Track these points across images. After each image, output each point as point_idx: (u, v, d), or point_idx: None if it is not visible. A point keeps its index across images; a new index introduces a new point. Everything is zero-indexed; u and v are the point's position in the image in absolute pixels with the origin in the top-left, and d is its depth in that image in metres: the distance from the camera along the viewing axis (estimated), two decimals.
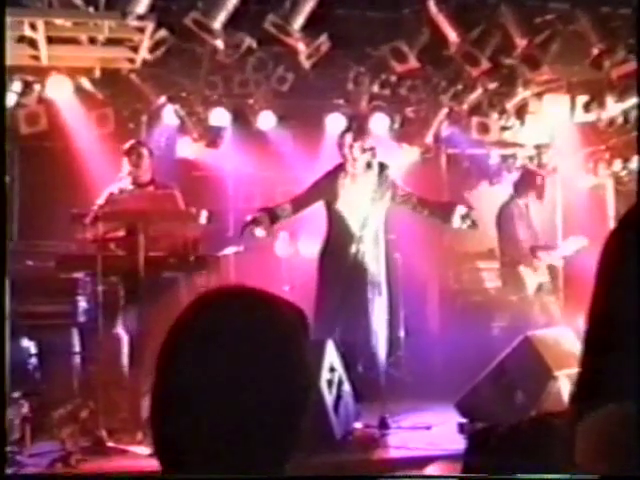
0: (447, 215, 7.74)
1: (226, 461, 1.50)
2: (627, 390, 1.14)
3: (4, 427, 5.53)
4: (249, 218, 7.71)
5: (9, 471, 5.43)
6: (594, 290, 1.24)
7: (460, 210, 7.64)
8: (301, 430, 1.57)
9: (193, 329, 1.58)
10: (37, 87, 8.96)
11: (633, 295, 1.16)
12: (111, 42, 7.87)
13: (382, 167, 7.64)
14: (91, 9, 7.41)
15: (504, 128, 10.40)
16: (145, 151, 7.96)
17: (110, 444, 6.18)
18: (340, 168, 7.87)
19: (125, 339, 7.31)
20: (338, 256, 7.69)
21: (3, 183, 6.12)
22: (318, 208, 7.99)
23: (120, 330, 7.34)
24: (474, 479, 1.84)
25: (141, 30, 7.62)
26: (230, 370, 1.51)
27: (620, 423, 1.13)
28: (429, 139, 10.58)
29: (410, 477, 2.02)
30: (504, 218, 9.25)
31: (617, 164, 10.80)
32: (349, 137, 7.78)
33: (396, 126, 10.44)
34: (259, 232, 7.70)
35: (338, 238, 7.78)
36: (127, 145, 7.93)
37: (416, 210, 7.97)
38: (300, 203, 7.85)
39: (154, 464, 1.56)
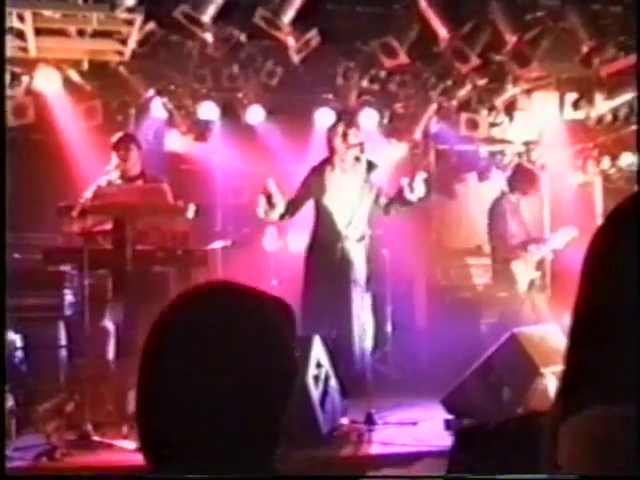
0: (400, 197, 7.71)
1: (211, 454, 1.50)
2: (611, 389, 1.13)
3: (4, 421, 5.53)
4: (270, 195, 7.50)
5: None
6: (580, 285, 1.23)
7: (404, 182, 7.61)
8: (284, 421, 1.57)
9: (176, 325, 1.58)
10: (25, 79, 8.92)
11: (619, 291, 1.16)
12: (99, 34, 7.84)
13: (370, 166, 7.65)
14: (79, 1, 7.38)
15: (493, 124, 10.41)
16: (133, 144, 7.94)
17: (96, 438, 6.16)
18: (326, 162, 7.85)
19: (112, 333, 7.30)
20: (325, 251, 7.69)
21: (3, 178, 6.09)
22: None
23: (107, 324, 7.33)
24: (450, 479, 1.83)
25: (130, 22, 7.59)
26: (214, 364, 1.51)
27: (604, 426, 1.12)
28: (418, 135, 10.57)
29: (391, 477, 2.02)
30: (496, 214, 9.24)
31: (606, 162, 10.82)
32: (341, 127, 7.76)
33: (385, 121, 10.44)
34: (263, 213, 7.58)
35: (325, 233, 7.77)
36: (115, 138, 7.91)
37: (387, 212, 7.98)
38: (295, 205, 7.79)
39: (140, 458, 1.56)
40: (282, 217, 7.71)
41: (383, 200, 7.88)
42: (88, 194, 7.27)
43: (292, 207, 7.73)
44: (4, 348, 5.67)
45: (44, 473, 5.58)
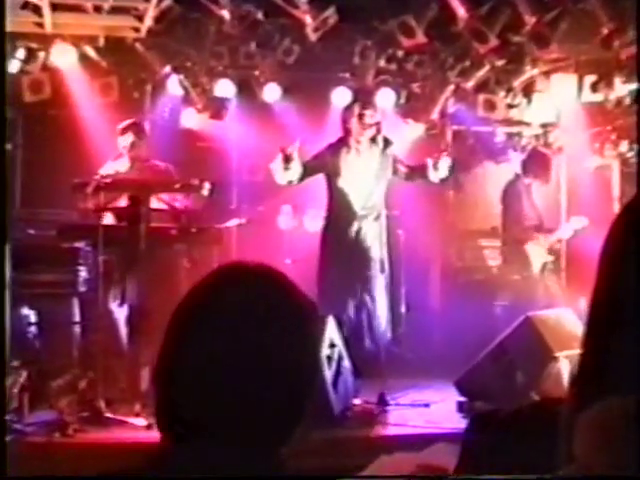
0: (422, 173, 7.73)
1: (233, 434, 1.50)
2: (628, 380, 1.12)
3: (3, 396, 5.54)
4: (290, 159, 7.44)
5: (7, 439, 5.45)
6: (597, 273, 1.21)
7: (429, 163, 7.62)
8: (304, 410, 1.57)
9: (208, 303, 1.57)
10: (41, 55, 8.90)
11: (637, 280, 1.14)
12: (116, 10, 7.83)
13: (386, 143, 7.60)
14: None
15: (510, 106, 10.33)
16: (140, 133, 7.86)
17: (108, 415, 6.19)
18: (342, 142, 7.80)
19: (125, 310, 7.31)
20: (340, 232, 7.68)
21: (3, 152, 6.08)
22: (322, 182, 7.95)
23: (121, 301, 7.33)
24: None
25: None
26: (244, 345, 1.51)
27: (619, 418, 1.10)
28: (435, 115, 10.52)
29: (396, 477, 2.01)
30: (510, 196, 9.20)
31: (624, 145, 10.73)
32: (357, 107, 7.71)
33: (402, 101, 10.38)
34: (274, 170, 7.58)
35: (340, 215, 7.75)
36: (122, 126, 7.84)
37: (409, 179, 7.98)
38: (304, 174, 7.73)
39: (151, 436, 1.55)
40: (289, 183, 7.68)
41: (402, 170, 7.85)
42: (103, 171, 7.29)
43: (302, 175, 7.69)
44: (5, 345, 5.68)
45: (57, 449, 5.61)
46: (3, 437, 5.06)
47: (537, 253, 8.97)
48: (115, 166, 7.72)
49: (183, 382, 1.52)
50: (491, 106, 10.04)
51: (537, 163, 9.32)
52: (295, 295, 1.61)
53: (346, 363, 6.71)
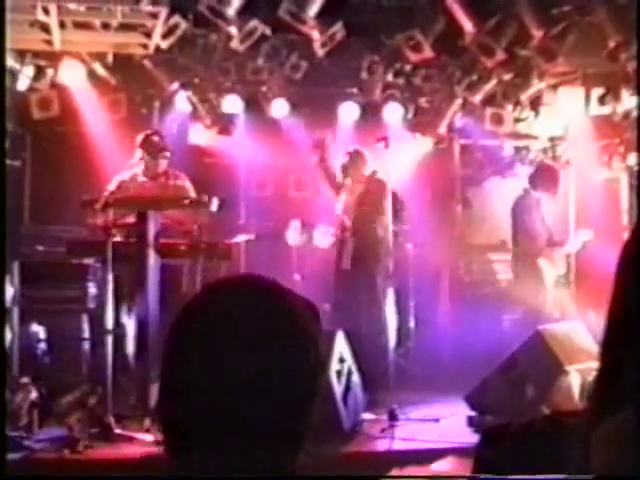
0: None
1: (235, 448, 1.49)
2: None
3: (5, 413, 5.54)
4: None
5: (16, 456, 5.46)
6: (614, 288, 1.21)
7: None
8: (309, 422, 1.56)
9: (204, 315, 1.56)
10: (50, 72, 8.94)
11: None
12: (124, 27, 7.86)
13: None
14: None
15: (518, 120, 10.34)
16: (165, 145, 7.84)
17: (118, 431, 6.17)
18: None
19: (135, 326, 7.30)
20: (349, 247, 7.68)
21: (3, 168, 6.11)
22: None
23: (130, 317, 7.33)
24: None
25: (154, 16, 7.60)
26: (242, 357, 1.50)
27: (637, 432, 1.09)
28: (442, 129, 10.52)
29: (409, 477, 2.00)
30: (520, 210, 9.16)
31: (632, 158, 10.72)
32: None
33: (410, 116, 10.39)
34: None
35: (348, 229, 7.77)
36: (143, 135, 7.83)
37: None
38: None
39: (160, 452, 1.55)
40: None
41: None
42: (112, 187, 7.29)
43: None
44: (4, 347, 5.68)
45: (66, 465, 5.60)
46: (3, 437, 5.08)
47: (550, 267, 8.94)
48: (127, 177, 7.71)
49: (181, 397, 1.52)
50: (499, 120, 10.04)
51: (545, 176, 9.28)
52: (289, 299, 1.60)
53: (355, 378, 6.70)
